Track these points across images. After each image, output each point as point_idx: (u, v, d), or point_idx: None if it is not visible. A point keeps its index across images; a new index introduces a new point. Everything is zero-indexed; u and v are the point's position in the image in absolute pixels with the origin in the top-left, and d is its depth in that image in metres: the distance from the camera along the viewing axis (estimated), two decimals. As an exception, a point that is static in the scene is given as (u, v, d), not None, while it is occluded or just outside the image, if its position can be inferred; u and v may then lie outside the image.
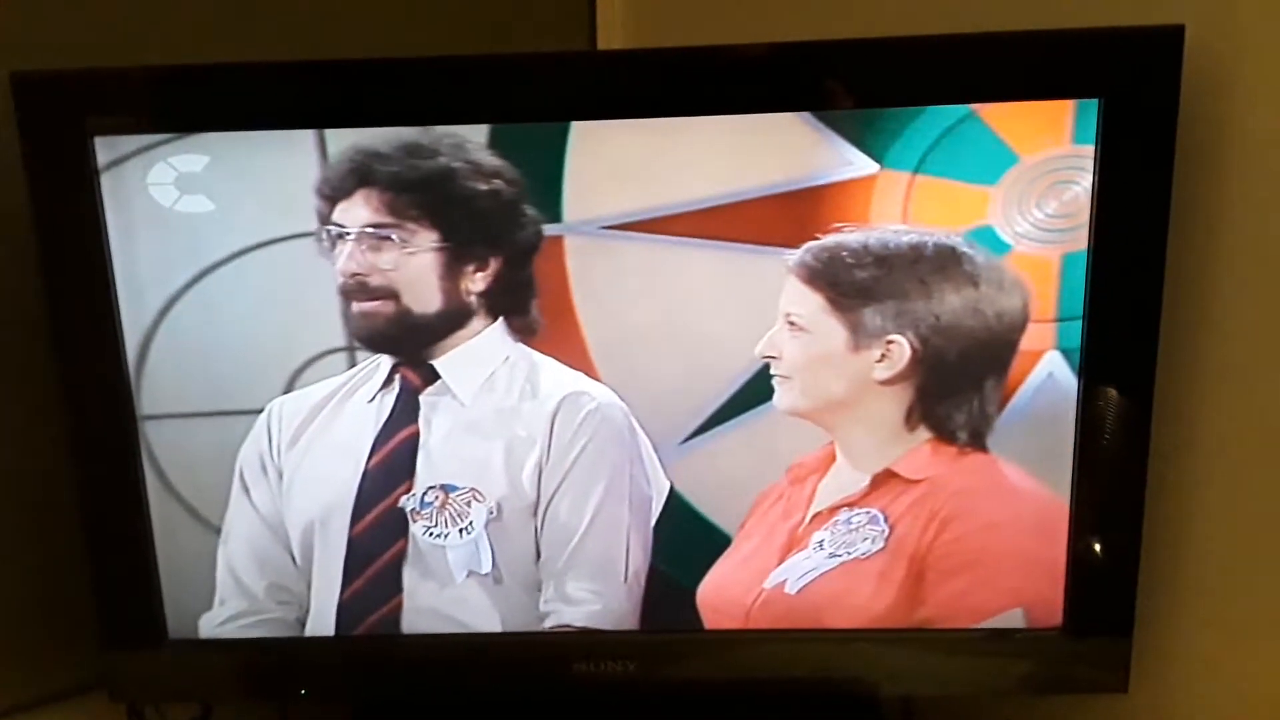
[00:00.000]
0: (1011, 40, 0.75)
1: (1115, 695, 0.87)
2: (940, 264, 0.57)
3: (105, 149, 0.73)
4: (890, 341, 0.57)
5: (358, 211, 0.55)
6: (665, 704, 1.01)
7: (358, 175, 0.53)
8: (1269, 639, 0.84)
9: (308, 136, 0.62)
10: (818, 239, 0.60)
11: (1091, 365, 0.83)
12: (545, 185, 0.62)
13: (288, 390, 0.68)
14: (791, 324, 0.57)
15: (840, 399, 0.57)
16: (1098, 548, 0.84)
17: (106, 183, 0.74)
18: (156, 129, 0.75)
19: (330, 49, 0.93)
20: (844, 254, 0.56)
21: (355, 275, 0.56)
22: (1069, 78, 0.74)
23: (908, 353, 0.58)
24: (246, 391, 0.72)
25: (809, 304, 0.57)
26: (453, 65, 0.77)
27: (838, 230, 0.61)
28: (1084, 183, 0.71)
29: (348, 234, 0.54)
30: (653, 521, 0.64)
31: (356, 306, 0.58)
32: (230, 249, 0.70)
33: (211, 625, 0.72)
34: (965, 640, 0.89)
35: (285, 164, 0.61)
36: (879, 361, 0.57)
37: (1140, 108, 0.74)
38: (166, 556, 0.83)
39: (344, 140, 0.59)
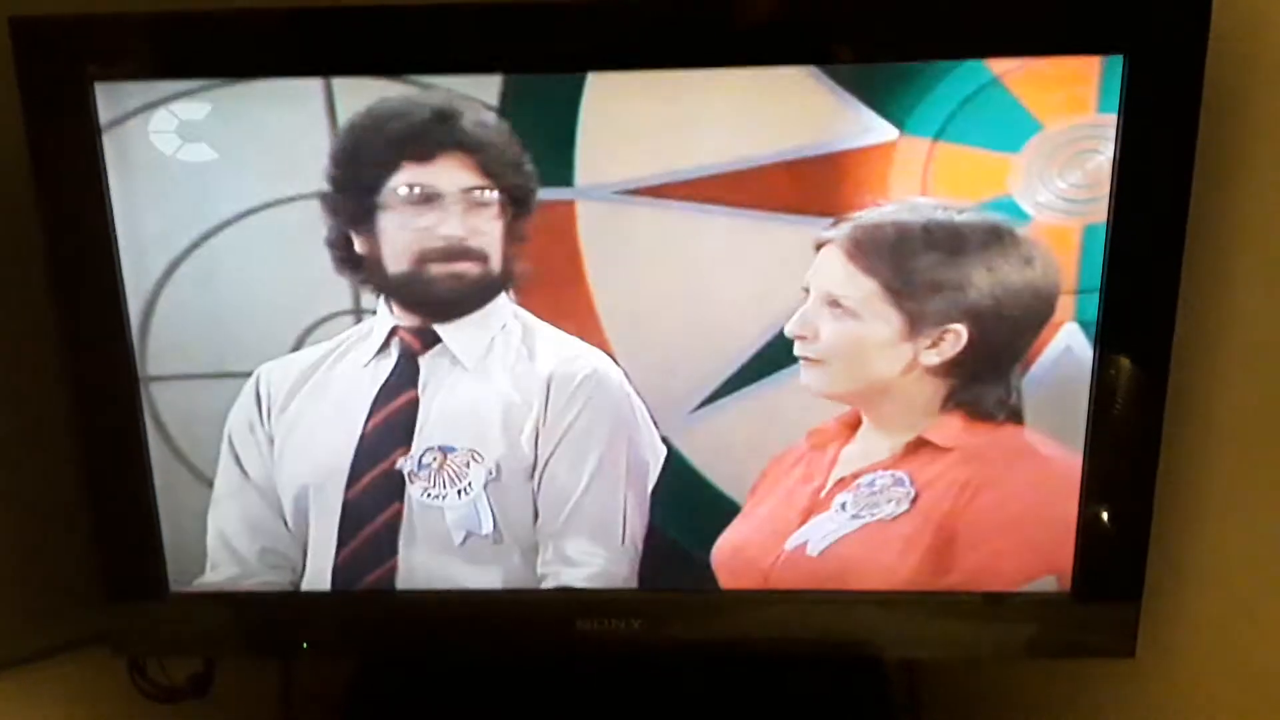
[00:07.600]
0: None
1: (1121, 660, 0.87)
2: (999, 247, 0.54)
3: (106, 95, 0.72)
4: (947, 330, 0.56)
5: (454, 174, 0.52)
6: (668, 664, 1.01)
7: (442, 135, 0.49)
8: (1276, 605, 0.83)
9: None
10: (860, 214, 0.58)
11: (1108, 333, 0.82)
12: (556, 149, 0.60)
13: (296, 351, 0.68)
14: (837, 305, 0.54)
15: (881, 384, 0.55)
16: (1108, 513, 0.83)
17: (107, 130, 0.73)
18: (159, 75, 0.74)
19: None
20: (898, 236, 0.53)
21: (451, 237, 0.54)
22: (1092, 32, 0.73)
23: (964, 340, 0.57)
24: (254, 353, 0.72)
25: (861, 288, 0.54)
26: (463, 12, 0.75)
27: (877, 205, 0.59)
28: (1106, 152, 0.72)
29: (442, 195, 0.52)
30: (650, 486, 0.64)
31: (441, 269, 0.55)
32: (236, 209, 0.70)
33: (205, 588, 0.74)
34: (970, 604, 0.88)
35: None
36: (930, 348, 0.56)
37: (1165, 66, 0.72)
38: (169, 512, 0.82)
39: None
